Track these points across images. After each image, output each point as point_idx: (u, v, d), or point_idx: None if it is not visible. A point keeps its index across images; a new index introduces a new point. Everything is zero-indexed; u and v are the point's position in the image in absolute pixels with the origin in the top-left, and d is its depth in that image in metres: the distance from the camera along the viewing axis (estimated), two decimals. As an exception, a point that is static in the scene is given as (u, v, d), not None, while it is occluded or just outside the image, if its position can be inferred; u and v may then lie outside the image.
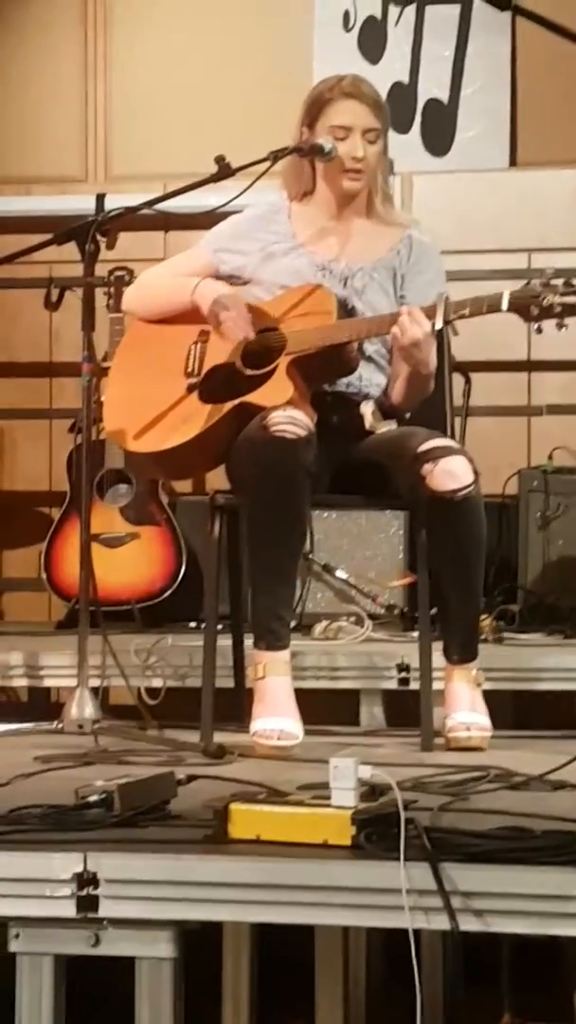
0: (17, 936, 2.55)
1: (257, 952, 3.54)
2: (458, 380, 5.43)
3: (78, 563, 4.03)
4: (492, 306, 3.69)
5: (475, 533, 3.79)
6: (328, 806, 2.59)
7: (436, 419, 4.11)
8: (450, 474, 3.73)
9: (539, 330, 3.67)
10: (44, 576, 5.51)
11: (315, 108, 3.98)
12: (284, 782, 3.08)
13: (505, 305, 3.67)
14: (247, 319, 3.91)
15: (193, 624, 5.07)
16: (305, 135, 3.99)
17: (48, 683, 4.70)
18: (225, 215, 4.13)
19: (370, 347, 3.98)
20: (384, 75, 5.97)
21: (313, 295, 3.91)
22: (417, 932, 2.43)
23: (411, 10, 6.02)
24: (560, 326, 3.63)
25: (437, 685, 3.87)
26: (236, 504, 3.93)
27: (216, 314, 3.92)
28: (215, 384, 3.94)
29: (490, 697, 3.91)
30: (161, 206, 4.12)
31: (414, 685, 4.09)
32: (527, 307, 3.65)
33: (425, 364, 3.87)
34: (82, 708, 3.94)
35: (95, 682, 4.04)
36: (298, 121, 4.01)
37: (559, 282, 3.62)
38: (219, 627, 3.97)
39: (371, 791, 2.65)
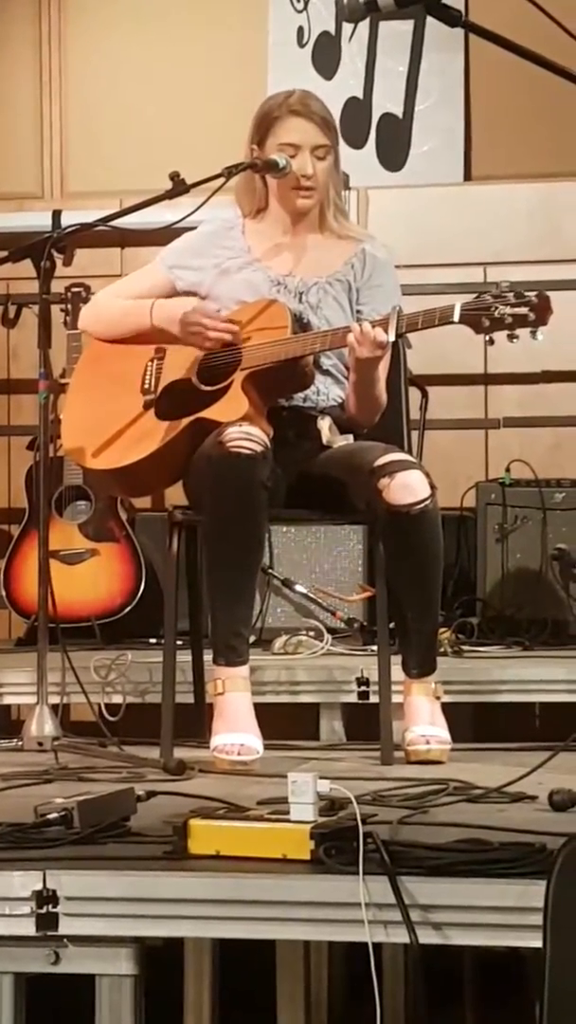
0: (-24, 955, 2.55)
1: (219, 968, 3.54)
2: (415, 394, 5.43)
3: (37, 580, 4.03)
4: (444, 317, 3.69)
5: (431, 547, 3.79)
6: (287, 821, 2.60)
7: (393, 433, 4.12)
8: (406, 488, 3.74)
9: (491, 341, 3.67)
10: (3, 593, 5.49)
11: (263, 126, 3.98)
12: (244, 797, 3.09)
13: (457, 316, 3.67)
14: (225, 322, 3.89)
15: (153, 640, 5.06)
16: (255, 152, 3.99)
17: (8, 700, 4.68)
18: (181, 231, 4.13)
19: (327, 361, 3.98)
20: (338, 90, 5.98)
21: (268, 310, 3.91)
22: (377, 947, 2.43)
23: (364, 26, 6.04)
24: (511, 337, 3.64)
25: (396, 698, 3.88)
26: (194, 520, 3.93)
27: (197, 332, 3.90)
28: (172, 400, 3.95)
29: (449, 710, 3.92)
30: (117, 222, 4.12)
31: (373, 699, 4.10)
32: (478, 319, 3.65)
33: (377, 375, 3.88)
34: (42, 725, 3.94)
35: (55, 699, 4.03)
36: (247, 139, 4.01)
37: (510, 294, 3.63)
38: (179, 643, 3.97)
39: (330, 805, 2.66)
